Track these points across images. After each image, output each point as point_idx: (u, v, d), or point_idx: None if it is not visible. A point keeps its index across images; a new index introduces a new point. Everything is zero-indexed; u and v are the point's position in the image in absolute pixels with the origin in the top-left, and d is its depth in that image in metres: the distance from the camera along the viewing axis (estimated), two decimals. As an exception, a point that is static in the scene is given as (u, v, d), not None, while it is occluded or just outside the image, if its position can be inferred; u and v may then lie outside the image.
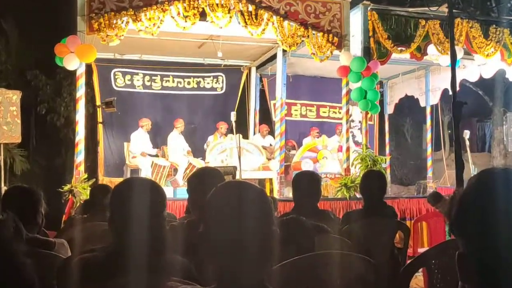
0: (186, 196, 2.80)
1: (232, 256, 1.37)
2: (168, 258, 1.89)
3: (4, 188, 7.33)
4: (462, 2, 8.74)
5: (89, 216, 4.05)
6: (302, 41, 7.93)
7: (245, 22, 7.33)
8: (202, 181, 2.67)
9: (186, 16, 7.05)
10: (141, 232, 1.77)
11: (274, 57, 10.07)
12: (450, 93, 4.41)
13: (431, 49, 8.65)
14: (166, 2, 7.02)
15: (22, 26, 12.08)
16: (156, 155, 9.70)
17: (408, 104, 13.61)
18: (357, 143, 9.70)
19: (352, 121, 9.74)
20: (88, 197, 5.25)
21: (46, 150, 12.17)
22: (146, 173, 9.00)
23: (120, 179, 5.34)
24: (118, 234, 1.84)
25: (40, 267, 2.55)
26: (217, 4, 7.17)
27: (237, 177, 7.66)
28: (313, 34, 7.78)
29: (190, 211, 2.80)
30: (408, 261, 3.55)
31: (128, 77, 10.42)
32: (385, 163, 9.13)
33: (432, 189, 10.52)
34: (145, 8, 6.97)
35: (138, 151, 9.35)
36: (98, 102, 9.61)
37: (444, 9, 7.96)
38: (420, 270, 3.84)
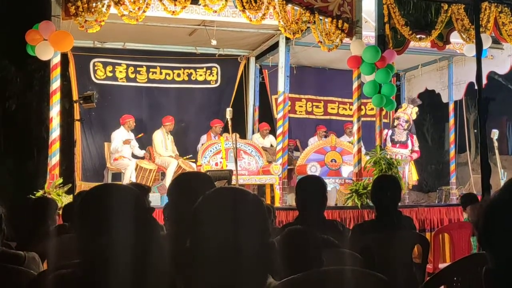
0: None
1: (224, 272, 1.38)
2: (158, 276, 1.89)
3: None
4: (489, -17, 8.74)
5: (69, 226, 4.11)
6: (308, 27, 7.94)
7: (243, 6, 7.33)
8: (184, 189, 2.54)
9: (176, -1, 7.06)
10: (122, 245, 1.77)
11: (275, 45, 10.09)
12: (476, 87, 4.41)
13: (455, 37, 8.66)
14: (153, -17, 7.04)
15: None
16: (143, 157, 9.70)
17: (429, 100, 13.59)
18: (394, 142, 9.74)
19: (397, 118, 9.81)
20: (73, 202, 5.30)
21: (16, 151, 12.14)
22: (129, 177, 9.00)
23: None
24: (94, 248, 1.84)
25: (7, 284, 2.56)
26: (210, -15, 7.18)
27: (233, 182, 7.67)
28: (320, 19, 7.79)
29: (165, 222, 2.73)
30: (427, 278, 3.55)
31: (109, 68, 10.43)
32: (402, 166, 9.15)
33: (456, 196, 10.56)
34: (128, -10, 6.98)
35: (119, 146, 9.27)
36: (75, 97, 9.61)
37: (469, -9, 7.99)
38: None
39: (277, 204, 8.69)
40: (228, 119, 8.19)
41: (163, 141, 9.61)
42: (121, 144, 9.30)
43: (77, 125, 9.55)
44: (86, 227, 1.81)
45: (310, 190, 3.61)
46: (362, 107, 8.99)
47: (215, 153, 9.19)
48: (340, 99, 11.87)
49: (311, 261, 2.46)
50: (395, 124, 9.88)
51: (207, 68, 11.05)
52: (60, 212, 6.45)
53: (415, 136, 10.17)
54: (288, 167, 9.68)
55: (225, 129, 9.92)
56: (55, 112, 7.01)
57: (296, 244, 2.50)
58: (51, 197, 6.04)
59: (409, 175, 9.96)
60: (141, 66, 10.62)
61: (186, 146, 10.42)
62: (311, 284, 2.33)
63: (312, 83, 11.71)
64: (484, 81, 8.22)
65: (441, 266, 5.30)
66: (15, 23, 9.36)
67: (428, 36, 8.37)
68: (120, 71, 10.51)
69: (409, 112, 10.00)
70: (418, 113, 10.58)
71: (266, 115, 11.49)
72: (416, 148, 10.06)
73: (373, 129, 8.76)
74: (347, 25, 7.85)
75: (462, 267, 3.00)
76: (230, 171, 7.93)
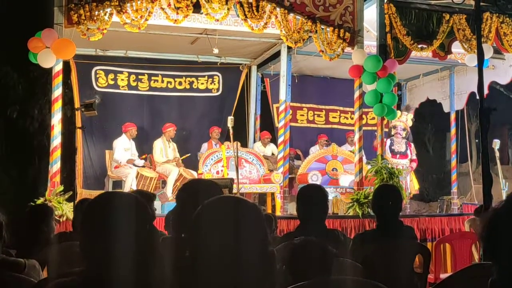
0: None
1: (223, 280, 1.38)
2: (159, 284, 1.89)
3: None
4: (491, -6, 8.77)
5: (70, 233, 4.13)
6: (310, 36, 7.95)
7: (245, 14, 7.35)
8: (191, 195, 2.57)
9: (178, 8, 7.08)
10: (125, 254, 1.77)
11: (277, 54, 10.11)
12: (477, 97, 4.42)
13: (456, 47, 8.68)
14: (155, -8, 7.06)
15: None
16: (143, 166, 9.70)
17: (430, 110, 13.61)
18: (394, 153, 9.69)
19: (394, 127, 9.79)
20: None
21: (17, 158, 12.14)
22: (130, 185, 8.99)
23: (101, 192, 5.36)
24: (97, 256, 1.84)
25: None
26: (213, -6, 7.21)
27: (234, 190, 7.66)
28: (322, 29, 7.81)
29: (170, 229, 2.73)
30: (429, 289, 3.54)
31: (111, 76, 10.44)
32: (403, 177, 9.13)
33: (457, 206, 10.54)
34: (131, -2, 7.00)
35: (123, 159, 9.33)
36: (77, 105, 9.62)
37: (471, 1, 7.99)
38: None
39: (278, 213, 8.67)
40: (230, 128, 8.19)
41: (162, 149, 9.62)
42: (124, 158, 9.32)
43: (79, 132, 9.55)
44: (92, 234, 1.81)
45: (311, 199, 3.60)
46: (364, 116, 8.99)
47: (216, 162, 9.19)
48: (341, 108, 11.88)
49: (322, 272, 2.46)
50: (392, 133, 9.84)
51: (209, 76, 11.07)
52: (61, 219, 6.48)
53: (413, 145, 10.13)
54: (289, 176, 9.67)
55: (226, 138, 9.92)
56: (56, 119, 7.01)
57: (309, 254, 2.50)
58: (47, 204, 6.02)
59: (411, 184, 9.93)
60: (142, 74, 10.63)
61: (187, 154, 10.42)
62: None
63: (313, 92, 11.72)
64: (486, 91, 8.22)
65: (443, 276, 5.28)
66: (17, 30, 9.41)
67: (430, 46, 8.38)
68: (122, 79, 10.52)
69: (404, 119, 9.96)
70: (414, 120, 10.55)
71: (267, 123, 11.50)
72: (414, 156, 10.04)
73: (374, 138, 8.75)
74: (349, 34, 7.86)
75: (463, 277, 2.99)
76: (231, 180, 7.92)
